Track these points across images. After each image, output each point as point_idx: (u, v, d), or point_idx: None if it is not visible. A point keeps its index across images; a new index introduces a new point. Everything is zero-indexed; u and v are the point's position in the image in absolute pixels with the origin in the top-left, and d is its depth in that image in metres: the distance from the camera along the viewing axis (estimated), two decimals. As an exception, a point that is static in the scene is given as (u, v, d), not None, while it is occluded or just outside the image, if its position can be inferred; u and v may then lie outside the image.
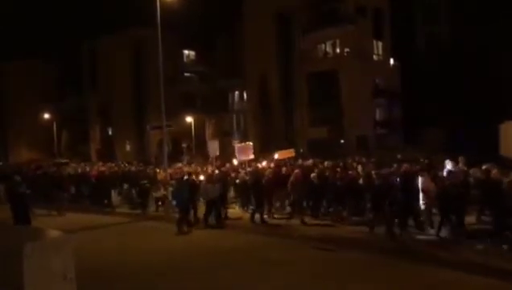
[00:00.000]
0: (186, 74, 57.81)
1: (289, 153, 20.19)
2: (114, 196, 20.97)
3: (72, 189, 22.42)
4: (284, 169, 17.00)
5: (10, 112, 65.44)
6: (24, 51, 61.81)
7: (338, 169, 16.15)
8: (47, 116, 56.92)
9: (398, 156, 21.68)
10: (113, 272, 9.89)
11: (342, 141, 40.16)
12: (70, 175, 23.41)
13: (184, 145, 48.17)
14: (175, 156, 38.73)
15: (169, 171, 19.64)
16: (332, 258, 10.80)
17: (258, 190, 15.21)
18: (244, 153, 18.68)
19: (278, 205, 16.26)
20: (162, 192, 17.89)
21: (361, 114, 40.63)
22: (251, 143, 19.27)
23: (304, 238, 12.54)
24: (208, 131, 52.25)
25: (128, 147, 57.09)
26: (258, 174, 16.45)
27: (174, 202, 15.17)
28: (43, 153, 57.72)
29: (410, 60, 44.64)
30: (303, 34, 43.53)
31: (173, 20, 32.54)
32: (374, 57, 44.24)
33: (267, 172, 16.49)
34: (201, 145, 50.25)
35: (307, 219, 14.50)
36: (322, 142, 38.43)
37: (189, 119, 47.93)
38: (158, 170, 21.27)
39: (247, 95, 50.23)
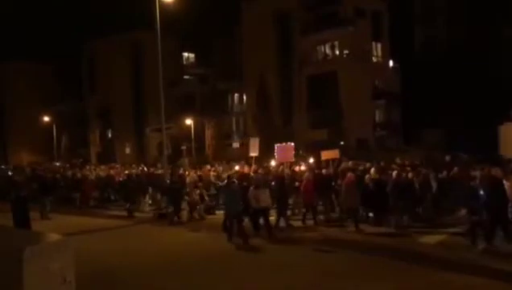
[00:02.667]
0: (185, 76, 57.87)
1: (333, 154, 18.48)
2: (142, 200, 19.48)
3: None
4: (325, 171, 15.82)
5: (10, 114, 65.49)
6: (23, 53, 61.93)
7: (392, 172, 14.30)
8: (46, 119, 56.94)
9: (397, 160, 21.23)
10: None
11: (342, 143, 40.15)
12: (99, 178, 22.42)
13: (184, 147, 48.17)
14: (175, 158, 38.71)
15: (198, 172, 18.77)
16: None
17: (281, 194, 14.00)
18: (284, 154, 17.19)
19: (321, 208, 15.13)
20: (195, 196, 16.35)
21: (361, 116, 40.66)
22: (292, 144, 17.58)
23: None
24: (208, 133, 52.26)
25: (128, 150, 57.10)
26: (279, 177, 15.16)
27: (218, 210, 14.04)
28: (43, 156, 57.67)
29: (409, 61, 44.71)
30: (302, 36, 43.60)
31: (172, 22, 32.62)
32: (374, 59, 44.29)
33: (306, 175, 15.03)
34: (201, 147, 50.34)
35: (363, 226, 13.25)
36: (322, 145, 38.40)
37: (189, 121, 47.94)
38: (186, 172, 19.78)
39: (246, 97, 50.27)
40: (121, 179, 20.98)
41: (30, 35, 67.59)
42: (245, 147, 48.73)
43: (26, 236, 5.55)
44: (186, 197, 16.49)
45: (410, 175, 13.95)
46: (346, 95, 40.86)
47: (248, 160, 21.09)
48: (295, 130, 44.10)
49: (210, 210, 17.14)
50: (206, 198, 17.12)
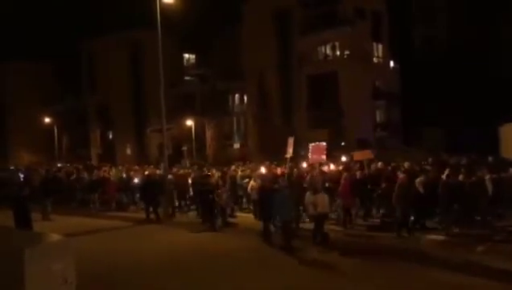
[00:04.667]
0: (186, 77, 57.86)
1: (367, 154, 17.39)
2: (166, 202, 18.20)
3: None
4: (359, 173, 15.07)
5: (10, 113, 65.47)
6: (23, 52, 61.83)
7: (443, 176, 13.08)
8: (47, 119, 56.95)
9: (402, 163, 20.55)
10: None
11: (343, 143, 40.15)
12: (121, 179, 21.07)
13: (184, 148, 48.16)
14: (175, 159, 38.73)
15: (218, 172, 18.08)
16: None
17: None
18: (317, 154, 16.32)
19: (360, 212, 14.56)
20: (224, 197, 15.26)
21: (361, 116, 40.63)
22: (324, 143, 16.77)
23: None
24: (208, 134, 52.25)
25: (128, 150, 57.11)
26: (292, 180, 14.35)
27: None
28: (44, 156, 57.67)
29: (409, 61, 44.69)
30: (302, 36, 43.58)
31: (173, 22, 32.60)
32: (374, 59, 44.26)
33: (344, 176, 14.24)
34: (201, 148, 50.31)
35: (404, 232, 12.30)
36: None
37: (189, 122, 47.93)
38: (213, 172, 18.81)
39: (247, 97, 50.25)
40: (136, 180, 19.84)
41: (29, 34, 67.52)
42: (245, 148, 48.87)
43: (28, 237, 5.57)
44: (216, 199, 15.17)
45: (460, 177, 12.82)
46: (346, 95, 40.84)
47: (244, 160, 20.92)
48: (296, 130, 44.06)
49: (232, 213, 16.45)
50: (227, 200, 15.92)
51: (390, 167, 16.31)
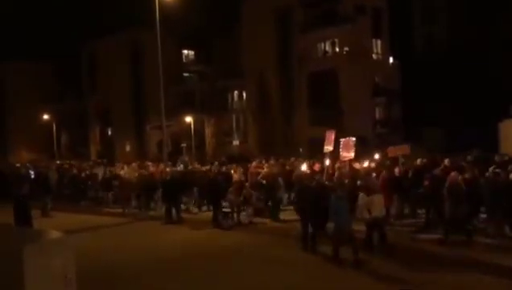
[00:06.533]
0: (185, 74, 57.86)
1: (403, 149, 16.20)
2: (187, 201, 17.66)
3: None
4: (397, 170, 13.90)
5: (10, 113, 65.53)
6: (23, 51, 61.90)
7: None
8: (46, 117, 56.95)
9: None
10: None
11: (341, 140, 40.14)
12: (141, 177, 19.43)
13: (184, 145, 48.17)
14: (175, 156, 38.73)
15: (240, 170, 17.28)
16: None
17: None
18: (347, 150, 15.06)
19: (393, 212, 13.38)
20: (237, 197, 14.70)
21: (361, 113, 40.59)
22: (354, 139, 15.53)
23: None
24: (208, 131, 52.26)
25: (128, 148, 57.15)
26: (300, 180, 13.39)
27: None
28: (43, 154, 57.69)
29: (409, 58, 44.65)
30: (302, 33, 43.54)
31: (172, 20, 32.57)
32: (374, 56, 44.21)
33: (382, 174, 13.30)
34: (201, 145, 50.32)
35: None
36: (322, 142, 38.34)
37: (189, 119, 47.92)
38: (235, 168, 18.16)
39: (246, 94, 50.24)
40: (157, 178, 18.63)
41: (30, 34, 67.70)
42: (245, 145, 48.87)
43: (27, 234, 5.56)
44: (230, 196, 14.81)
45: (511, 175, 11.53)
46: (346, 92, 40.81)
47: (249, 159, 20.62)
48: (295, 127, 44.09)
49: (261, 214, 15.44)
50: (254, 200, 15.18)
51: (422, 164, 15.14)
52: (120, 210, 18.27)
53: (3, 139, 66.58)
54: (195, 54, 60.14)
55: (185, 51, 59.58)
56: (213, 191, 15.04)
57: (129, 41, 54.82)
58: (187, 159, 37.80)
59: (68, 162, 31.22)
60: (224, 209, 15.02)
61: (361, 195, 10.62)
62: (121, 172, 20.79)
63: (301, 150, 40.49)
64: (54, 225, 14.44)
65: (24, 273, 3.88)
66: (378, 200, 10.42)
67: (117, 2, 56.67)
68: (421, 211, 13.39)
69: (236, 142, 51.49)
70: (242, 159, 27.96)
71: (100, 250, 12.04)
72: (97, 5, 62.11)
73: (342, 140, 15.37)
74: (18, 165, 31.06)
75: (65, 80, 64.12)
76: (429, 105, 38.46)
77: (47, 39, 61.63)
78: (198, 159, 36.73)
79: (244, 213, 14.89)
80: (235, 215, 14.85)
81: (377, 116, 45.24)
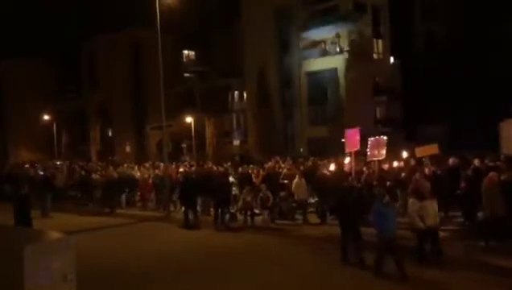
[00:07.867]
0: (185, 74, 57.88)
1: (432, 149, 15.52)
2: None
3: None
4: (427, 170, 13.39)
5: (10, 112, 65.55)
6: (24, 51, 62.01)
7: None
8: (46, 117, 56.98)
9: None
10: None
11: (343, 140, 40.10)
12: (159, 177, 19.05)
13: (184, 145, 48.13)
14: (175, 156, 38.76)
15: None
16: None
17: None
18: (376, 149, 14.46)
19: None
20: (248, 198, 14.35)
21: (362, 113, 40.49)
22: (385, 138, 14.83)
23: None
24: (208, 131, 52.24)
25: (128, 148, 57.16)
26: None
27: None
28: (43, 154, 57.72)
29: (409, 58, 44.60)
30: (302, 32, 43.49)
31: (172, 20, 32.53)
32: (374, 55, 44.15)
33: (416, 175, 12.39)
34: (201, 145, 50.28)
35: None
36: (322, 141, 38.39)
37: (189, 119, 47.88)
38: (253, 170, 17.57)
39: (247, 94, 50.20)
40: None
41: (30, 33, 67.90)
42: (245, 144, 48.84)
43: (27, 234, 5.55)
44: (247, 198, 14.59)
45: None
46: (347, 91, 40.76)
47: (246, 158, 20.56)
48: (296, 126, 44.06)
49: (289, 215, 15.25)
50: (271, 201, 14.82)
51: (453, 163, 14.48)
52: (131, 212, 18.28)
53: (3, 138, 66.61)
54: (195, 54, 60.16)
55: (185, 51, 59.60)
56: (225, 192, 15.00)
57: (129, 41, 54.86)
58: (188, 159, 37.84)
59: (80, 164, 30.88)
60: (232, 211, 15.13)
61: (412, 200, 9.70)
62: (137, 174, 20.64)
63: (301, 149, 40.52)
64: (53, 226, 14.44)
65: (24, 273, 3.87)
66: (432, 206, 9.47)
67: (117, 2, 56.84)
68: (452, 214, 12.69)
69: (236, 142, 51.46)
70: (245, 160, 27.92)
71: (100, 250, 12.02)
72: (97, 4, 62.28)
73: (370, 139, 14.84)
74: (26, 166, 30.82)
75: (65, 78, 64.15)
76: (430, 103, 38.43)
77: (48, 39, 61.97)
78: (200, 158, 36.68)
79: (260, 217, 14.68)
80: (248, 218, 14.66)
81: (377, 115, 45.20)
